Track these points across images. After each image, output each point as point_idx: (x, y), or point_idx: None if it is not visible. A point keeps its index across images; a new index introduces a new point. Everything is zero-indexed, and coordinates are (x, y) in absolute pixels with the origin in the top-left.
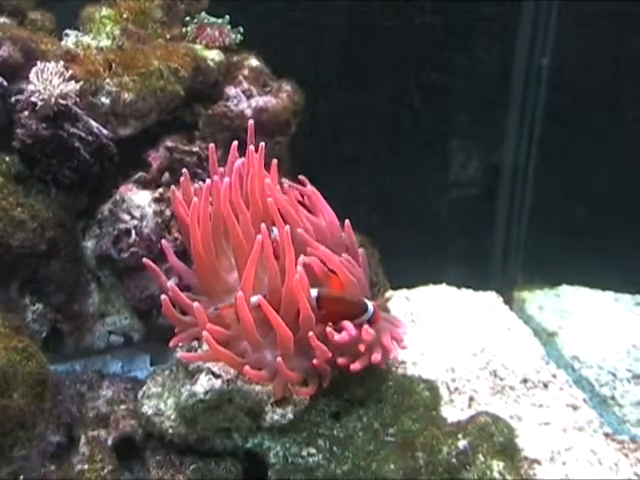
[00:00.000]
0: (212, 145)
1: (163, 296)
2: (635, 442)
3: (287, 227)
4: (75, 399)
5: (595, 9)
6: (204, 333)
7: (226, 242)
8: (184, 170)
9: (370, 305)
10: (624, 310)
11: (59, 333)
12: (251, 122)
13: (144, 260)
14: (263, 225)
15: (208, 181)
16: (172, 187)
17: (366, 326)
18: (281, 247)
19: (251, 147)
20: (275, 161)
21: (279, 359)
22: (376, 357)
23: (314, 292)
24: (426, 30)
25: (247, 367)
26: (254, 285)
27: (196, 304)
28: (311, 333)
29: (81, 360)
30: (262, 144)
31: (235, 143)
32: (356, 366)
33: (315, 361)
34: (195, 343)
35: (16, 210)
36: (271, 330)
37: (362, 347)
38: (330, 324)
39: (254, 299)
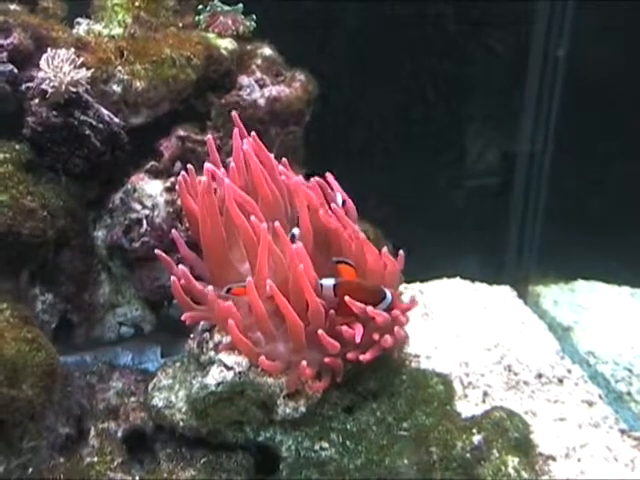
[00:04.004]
0: (210, 137)
1: (173, 278)
2: None
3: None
4: (85, 391)
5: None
6: (229, 321)
7: (238, 233)
8: (189, 166)
9: (388, 293)
10: None
11: (69, 324)
12: (234, 114)
13: (155, 251)
14: (256, 222)
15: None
16: (179, 178)
17: (379, 310)
18: (281, 239)
19: (246, 140)
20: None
21: (303, 362)
22: (386, 338)
23: (332, 280)
24: (440, 19)
25: (262, 357)
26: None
27: (210, 288)
28: (321, 331)
29: (91, 351)
30: (253, 133)
31: (236, 131)
32: (366, 357)
33: (327, 359)
34: (207, 334)
35: (26, 199)
36: (284, 322)
37: (375, 335)
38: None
39: (268, 281)
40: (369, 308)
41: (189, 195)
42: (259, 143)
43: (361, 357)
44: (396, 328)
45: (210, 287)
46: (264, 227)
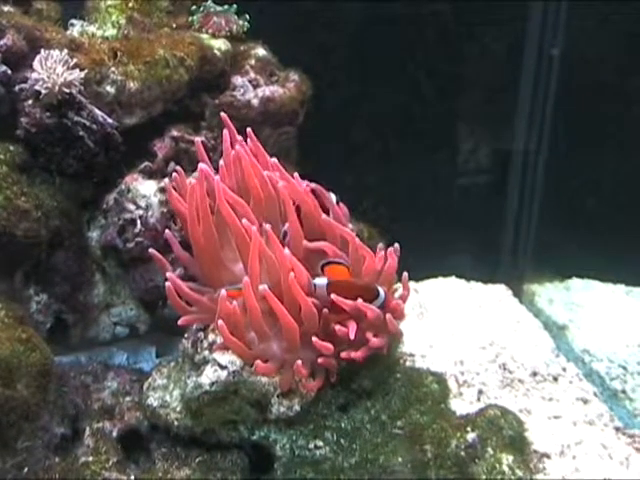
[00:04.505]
0: (198, 139)
1: (168, 283)
2: None
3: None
4: (80, 390)
5: None
6: (219, 322)
7: (230, 233)
8: (177, 167)
9: (382, 290)
10: (635, 303)
11: (64, 324)
12: (223, 115)
13: (150, 250)
14: (248, 225)
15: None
16: (167, 180)
17: (372, 306)
18: (272, 241)
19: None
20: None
21: (299, 362)
22: (374, 341)
23: (324, 280)
24: (436, 18)
25: (258, 361)
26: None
27: (223, 291)
28: (315, 338)
29: (86, 351)
30: (249, 129)
31: (226, 132)
32: (357, 354)
33: (320, 359)
34: (201, 334)
35: (20, 199)
36: (278, 321)
37: (369, 334)
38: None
39: (264, 286)
40: (360, 301)
41: (180, 196)
42: (255, 141)
43: (352, 355)
44: (388, 316)
45: (223, 291)
46: (255, 230)
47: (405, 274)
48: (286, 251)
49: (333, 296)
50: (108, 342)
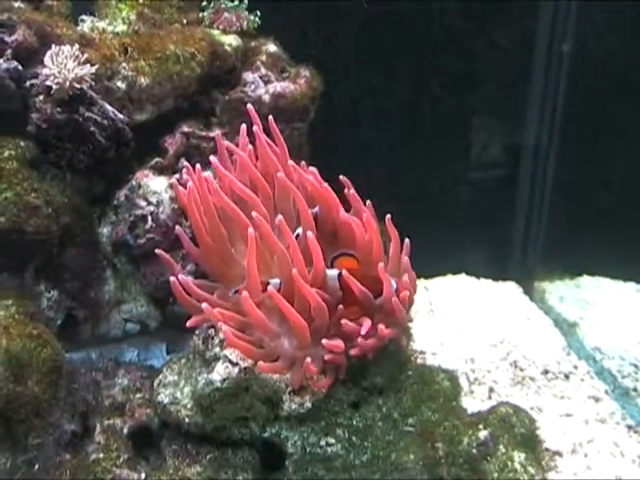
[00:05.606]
0: (218, 132)
1: (172, 279)
2: None
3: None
4: (90, 387)
5: None
6: (223, 328)
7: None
8: (186, 163)
9: (392, 281)
10: None
11: (74, 320)
12: (249, 107)
13: (157, 251)
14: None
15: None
16: (174, 179)
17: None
18: (284, 233)
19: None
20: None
21: (308, 359)
22: (385, 331)
23: (334, 271)
24: (445, 14)
25: (260, 362)
26: (272, 268)
27: (204, 305)
28: (325, 340)
29: (97, 348)
30: (271, 117)
31: (243, 127)
32: (368, 342)
33: (327, 357)
34: (212, 331)
35: (30, 195)
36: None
37: (380, 326)
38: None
39: (276, 281)
40: (380, 265)
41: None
42: (277, 132)
43: (362, 344)
44: (394, 299)
45: (204, 304)
46: (251, 232)
47: (406, 258)
48: (312, 238)
49: (344, 272)
50: (119, 338)
